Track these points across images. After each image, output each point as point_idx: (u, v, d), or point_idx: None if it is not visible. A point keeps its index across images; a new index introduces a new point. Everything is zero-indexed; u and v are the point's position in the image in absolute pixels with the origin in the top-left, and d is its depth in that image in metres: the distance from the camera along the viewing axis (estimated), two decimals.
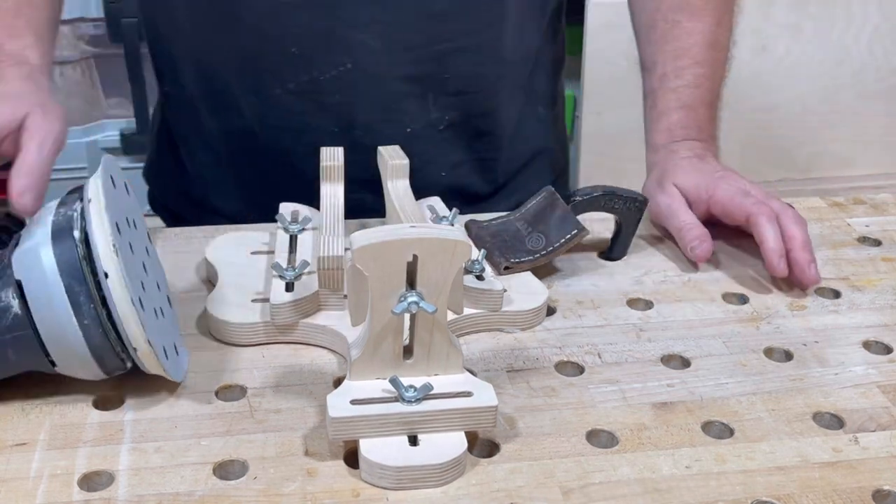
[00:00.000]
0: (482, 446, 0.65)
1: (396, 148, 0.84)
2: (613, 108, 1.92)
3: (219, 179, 1.05)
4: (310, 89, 0.96)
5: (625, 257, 0.88)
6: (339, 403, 0.63)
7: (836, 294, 0.83)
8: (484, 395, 0.64)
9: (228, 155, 1.03)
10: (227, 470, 0.62)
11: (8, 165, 0.79)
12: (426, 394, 0.63)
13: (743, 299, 0.82)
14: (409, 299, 0.62)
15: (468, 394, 0.64)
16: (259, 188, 1.00)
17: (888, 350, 0.76)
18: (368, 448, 0.61)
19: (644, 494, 0.61)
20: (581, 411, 0.68)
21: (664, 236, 0.91)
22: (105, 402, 0.67)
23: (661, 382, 0.71)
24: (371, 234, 0.61)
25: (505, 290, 0.77)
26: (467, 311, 0.75)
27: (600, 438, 0.66)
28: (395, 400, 0.63)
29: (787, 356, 0.75)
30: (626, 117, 1.91)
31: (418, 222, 0.75)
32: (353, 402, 0.63)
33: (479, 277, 0.77)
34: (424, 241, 0.61)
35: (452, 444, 0.62)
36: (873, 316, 0.80)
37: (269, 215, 0.85)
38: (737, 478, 0.63)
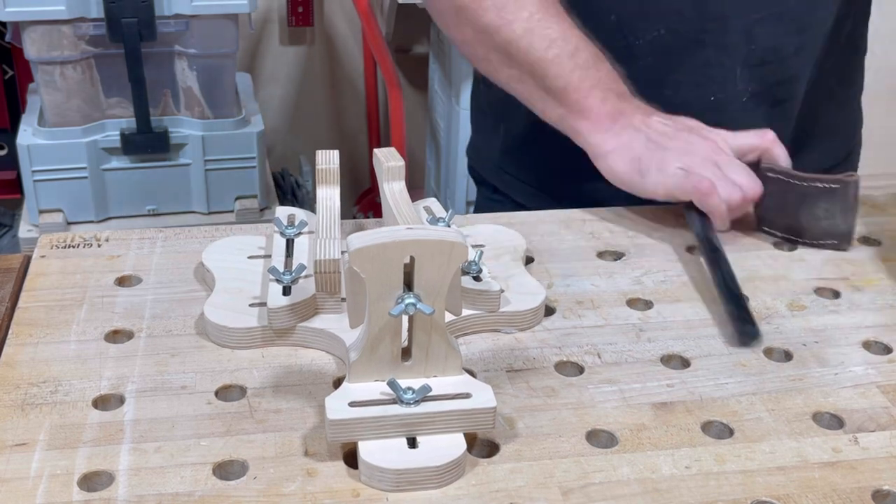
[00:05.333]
0: (482, 446, 0.65)
1: (392, 150, 0.84)
2: None
3: (522, 153, 1.11)
4: (625, 55, 0.98)
5: (624, 257, 0.88)
6: (337, 406, 0.63)
7: (836, 294, 0.83)
8: (482, 396, 0.64)
9: (530, 127, 1.05)
10: (227, 470, 0.62)
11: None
12: (424, 395, 0.63)
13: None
14: (407, 301, 0.62)
15: (467, 395, 0.64)
16: (556, 166, 1.07)
17: (888, 350, 0.76)
18: (368, 451, 0.61)
19: (644, 494, 0.61)
20: (581, 411, 0.68)
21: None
22: (105, 402, 0.68)
23: (660, 382, 0.71)
24: (368, 236, 0.61)
25: (502, 291, 0.77)
26: (465, 311, 0.75)
27: (600, 438, 0.66)
28: (394, 402, 0.63)
29: (787, 356, 0.75)
30: None
31: (414, 224, 0.75)
32: (352, 404, 0.63)
33: (477, 278, 0.77)
34: (421, 242, 0.61)
35: (451, 445, 0.62)
36: (873, 316, 0.80)
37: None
38: (736, 478, 0.63)
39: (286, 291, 0.74)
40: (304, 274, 0.76)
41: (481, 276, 0.77)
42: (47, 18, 1.79)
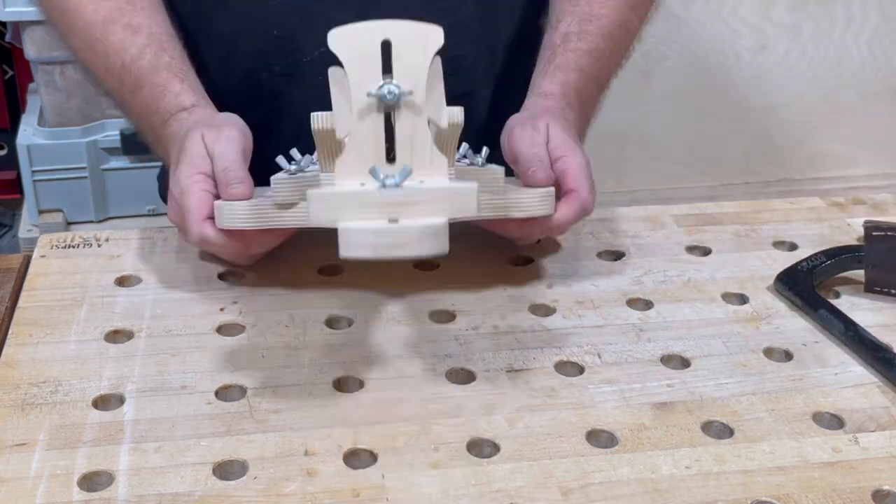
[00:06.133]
0: (482, 446, 0.65)
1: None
2: (613, 108, 1.91)
3: None
4: (294, 70, 0.95)
5: (624, 257, 0.88)
6: (322, 188, 0.64)
7: (836, 294, 0.83)
8: (465, 183, 0.64)
9: None
10: (227, 470, 0.62)
11: None
12: (405, 178, 0.62)
13: (743, 299, 0.82)
14: (386, 84, 0.62)
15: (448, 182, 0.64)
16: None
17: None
18: (346, 225, 0.60)
19: (644, 494, 0.61)
20: (581, 411, 0.68)
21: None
22: (105, 402, 0.68)
23: (660, 382, 0.71)
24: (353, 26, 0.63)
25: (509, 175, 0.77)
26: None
27: (600, 438, 0.66)
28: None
29: (787, 356, 0.75)
30: (626, 117, 1.92)
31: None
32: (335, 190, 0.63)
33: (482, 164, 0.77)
34: (398, 24, 0.62)
35: (435, 217, 0.61)
36: (873, 316, 0.80)
37: None
38: (736, 478, 0.63)
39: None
40: (311, 166, 0.75)
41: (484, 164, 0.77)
42: None
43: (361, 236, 0.59)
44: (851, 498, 0.61)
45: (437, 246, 0.60)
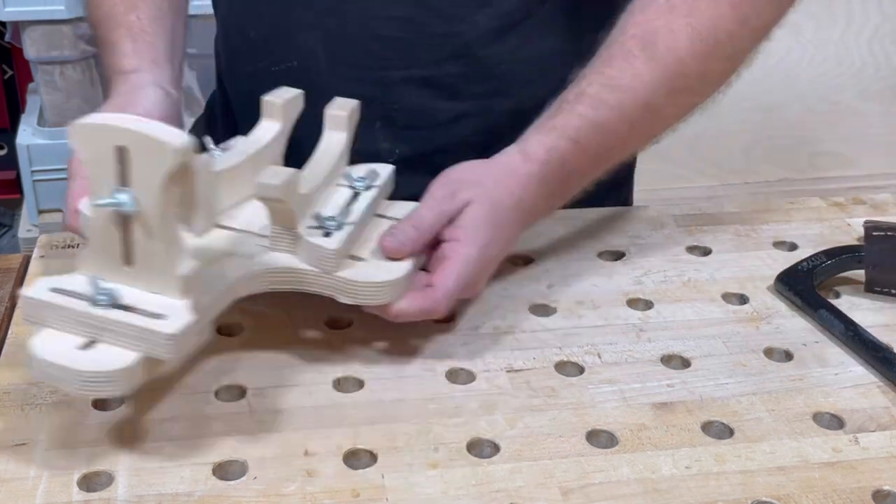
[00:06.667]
0: (482, 446, 0.65)
1: (348, 101, 0.80)
2: None
3: None
4: (264, 77, 0.91)
5: (624, 257, 0.88)
6: (40, 286, 0.62)
7: (836, 294, 0.83)
8: (174, 322, 0.60)
9: None
10: (227, 470, 0.62)
11: None
12: (115, 301, 0.61)
13: (743, 299, 0.82)
14: (116, 195, 0.60)
15: (161, 315, 0.61)
16: None
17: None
18: (40, 337, 0.61)
19: (644, 494, 0.61)
20: (581, 411, 0.68)
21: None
22: (105, 403, 0.67)
23: (660, 382, 0.71)
24: (101, 116, 0.61)
25: (362, 259, 0.71)
26: (301, 265, 0.70)
27: (600, 438, 0.66)
28: (90, 300, 0.61)
29: (787, 356, 0.75)
30: None
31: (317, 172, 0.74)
32: (55, 290, 0.62)
33: (328, 234, 0.71)
34: (134, 133, 0.59)
35: (120, 357, 0.60)
36: (873, 316, 0.80)
37: None
38: (736, 478, 0.63)
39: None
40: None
41: (333, 232, 0.71)
42: (47, 18, 1.79)
43: (31, 360, 0.60)
44: (851, 498, 0.61)
45: (111, 389, 0.60)
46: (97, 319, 0.61)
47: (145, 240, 0.61)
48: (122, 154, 0.59)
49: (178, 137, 0.59)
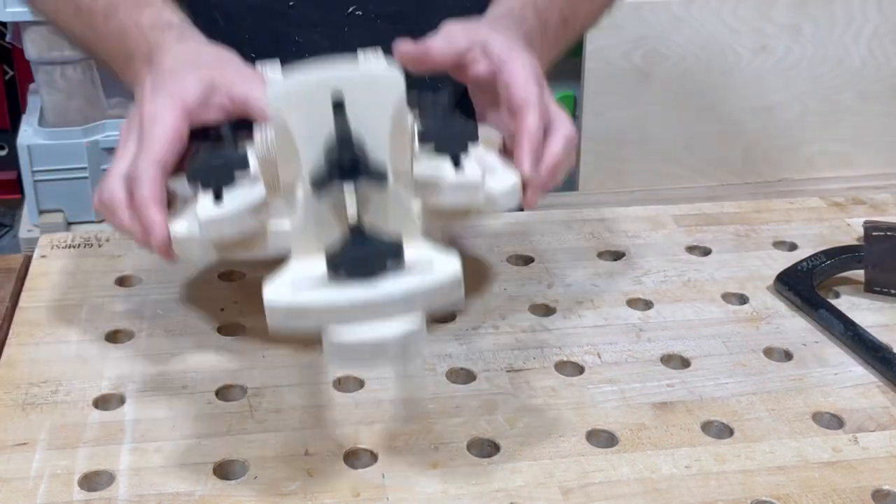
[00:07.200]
0: (482, 446, 0.65)
1: None
2: (613, 108, 1.92)
3: None
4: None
5: (624, 257, 0.88)
6: (284, 292, 0.54)
7: (836, 294, 0.83)
8: (448, 265, 0.55)
9: None
10: (227, 470, 0.62)
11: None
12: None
13: (743, 299, 0.82)
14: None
15: (427, 268, 0.55)
16: None
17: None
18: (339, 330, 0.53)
19: (644, 494, 0.61)
20: (581, 411, 0.68)
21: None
22: (105, 402, 0.68)
23: (660, 382, 0.71)
24: (295, 74, 0.53)
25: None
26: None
27: (600, 438, 0.66)
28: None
29: (787, 356, 0.75)
30: (626, 117, 1.93)
31: None
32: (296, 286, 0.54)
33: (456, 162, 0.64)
34: (349, 77, 0.52)
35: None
36: (873, 316, 0.80)
37: None
38: (736, 478, 0.63)
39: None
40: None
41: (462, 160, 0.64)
42: None
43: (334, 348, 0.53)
44: (851, 498, 0.61)
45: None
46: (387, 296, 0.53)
47: (378, 196, 0.54)
48: (337, 108, 0.52)
49: (391, 69, 0.53)
